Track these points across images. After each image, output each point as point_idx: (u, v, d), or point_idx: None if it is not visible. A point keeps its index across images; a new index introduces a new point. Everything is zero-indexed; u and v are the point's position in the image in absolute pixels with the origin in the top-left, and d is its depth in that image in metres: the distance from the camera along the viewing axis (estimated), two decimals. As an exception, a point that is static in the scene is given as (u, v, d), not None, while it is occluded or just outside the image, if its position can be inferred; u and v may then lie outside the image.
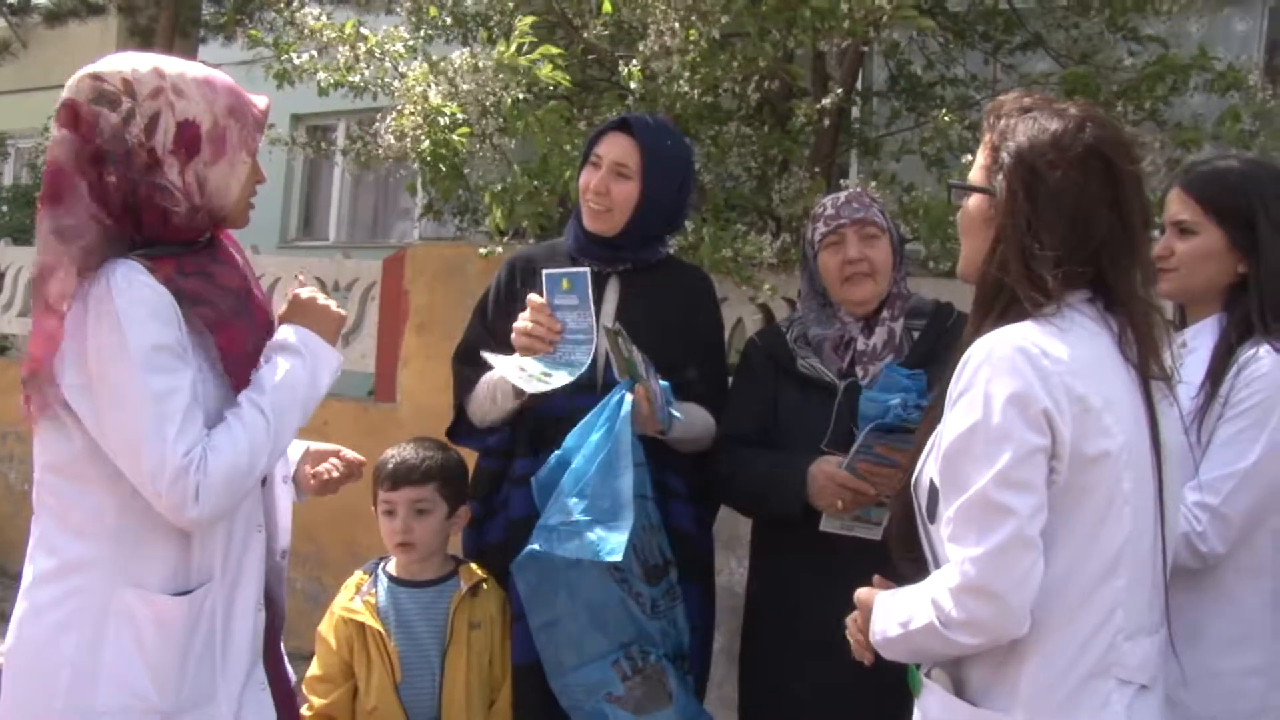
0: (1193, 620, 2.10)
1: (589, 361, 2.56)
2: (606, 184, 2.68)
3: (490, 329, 2.80)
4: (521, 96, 4.41)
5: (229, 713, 1.99)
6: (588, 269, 2.59)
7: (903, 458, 2.33)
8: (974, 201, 1.82)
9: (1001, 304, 1.71)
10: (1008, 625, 1.64)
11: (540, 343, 2.57)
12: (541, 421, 2.65)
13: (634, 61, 4.30)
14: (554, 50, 4.37)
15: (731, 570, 3.84)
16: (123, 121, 1.87)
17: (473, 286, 4.97)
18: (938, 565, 1.76)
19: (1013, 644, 1.67)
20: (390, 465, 2.65)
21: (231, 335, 1.95)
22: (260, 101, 2.03)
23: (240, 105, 1.98)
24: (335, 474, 2.40)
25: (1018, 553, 1.61)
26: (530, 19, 4.49)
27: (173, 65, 1.94)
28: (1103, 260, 1.70)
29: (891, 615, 1.80)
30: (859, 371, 2.62)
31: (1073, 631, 1.66)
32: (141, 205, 1.90)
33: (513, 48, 4.37)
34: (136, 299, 1.85)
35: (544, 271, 2.62)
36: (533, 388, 2.50)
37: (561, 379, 2.51)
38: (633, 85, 4.28)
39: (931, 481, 1.75)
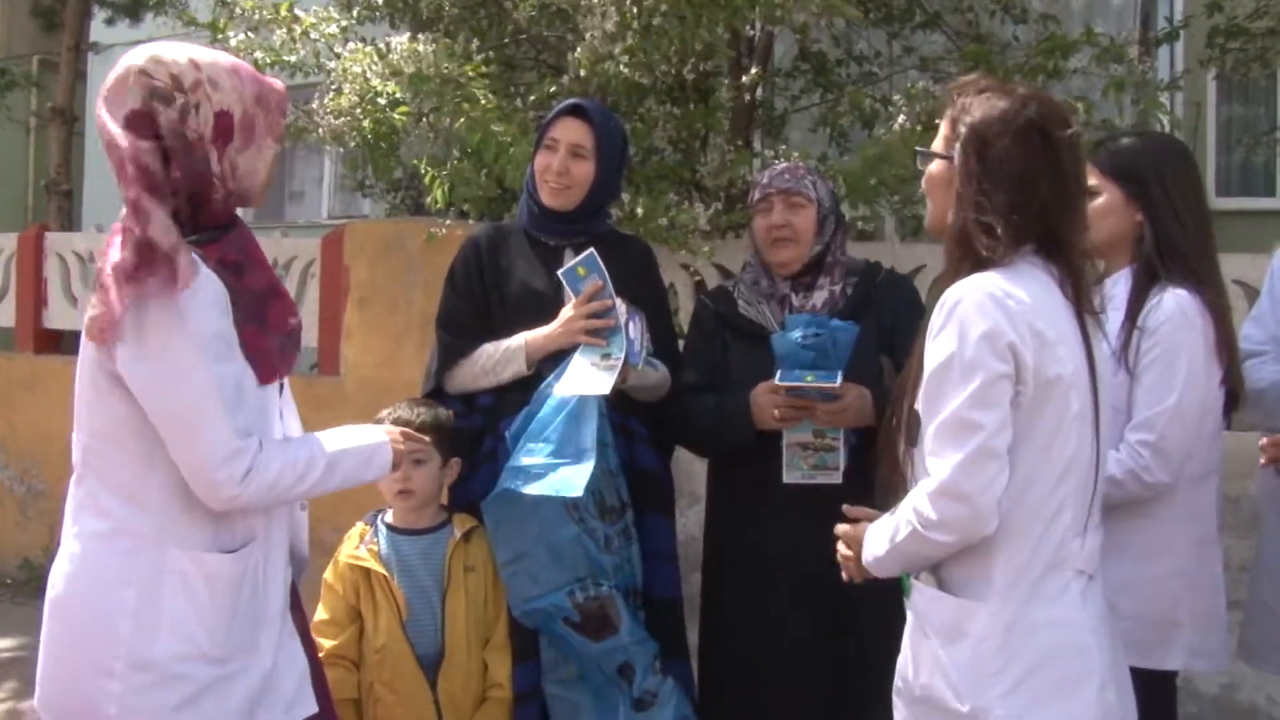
0: (1122, 537, 2.45)
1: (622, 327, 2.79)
2: (566, 165, 2.91)
3: (467, 299, 3.00)
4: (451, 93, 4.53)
5: (270, 659, 2.13)
6: (592, 249, 2.81)
7: (826, 403, 2.68)
8: (936, 166, 2.12)
9: (972, 258, 2.00)
10: (977, 523, 1.93)
11: (603, 324, 2.78)
12: (527, 381, 2.87)
13: (577, 50, 4.49)
14: (474, 67, 4.51)
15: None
16: (180, 117, 1.98)
17: (413, 261, 5.14)
18: (916, 485, 2.04)
19: (985, 543, 1.96)
20: (389, 420, 2.80)
21: (250, 334, 2.05)
22: (278, 85, 2.13)
23: (265, 92, 2.08)
24: None
25: (985, 460, 1.91)
26: (445, 44, 4.59)
27: (204, 55, 2.04)
28: (1048, 217, 2.01)
29: (880, 536, 2.09)
30: None
31: (1033, 530, 1.96)
32: (199, 193, 2.01)
33: (437, 58, 4.48)
34: (199, 287, 1.95)
35: (559, 272, 2.82)
36: (607, 384, 2.70)
37: (618, 353, 2.75)
38: (579, 70, 4.48)
39: (910, 410, 2.05)
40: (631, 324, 2.82)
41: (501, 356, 2.89)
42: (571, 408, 2.70)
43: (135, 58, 2.02)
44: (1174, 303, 2.48)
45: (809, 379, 2.66)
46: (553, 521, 2.72)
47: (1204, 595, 2.57)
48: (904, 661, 2.13)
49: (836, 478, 2.77)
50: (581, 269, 2.79)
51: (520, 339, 2.88)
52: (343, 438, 2.19)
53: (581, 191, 2.95)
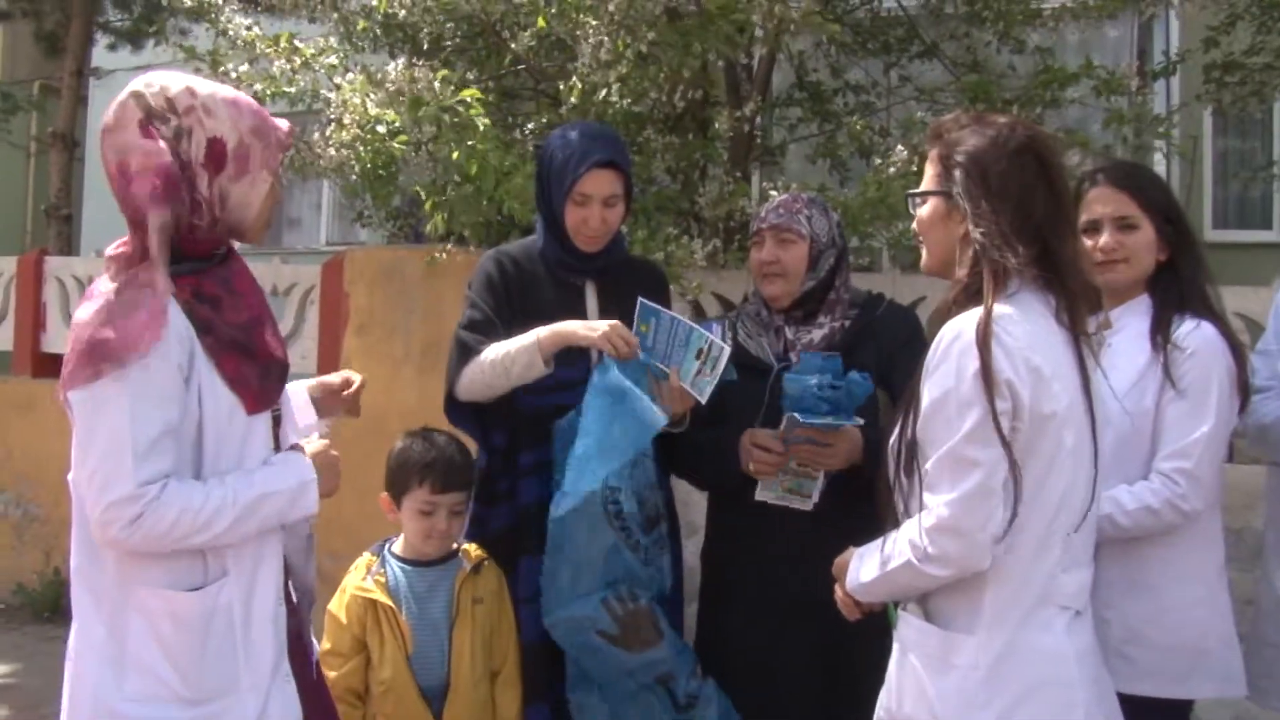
0: (1143, 568, 2.47)
1: (716, 336, 2.74)
2: (603, 216, 2.84)
3: (493, 310, 2.91)
4: (451, 118, 4.52)
5: (254, 701, 2.07)
6: (639, 298, 2.80)
7: (828, 437, 2.66)
8: (930, 206, 2.14)
9: (978, 286, 2.00)
10: (973, 558, 1.94)
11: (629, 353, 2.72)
12: (540, 413, 2.82)
13: (573, 78, 4.50)
14: (473, 93, 4.49)
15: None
16: (174, 137, 1.99)
17: (412, 288, 5.15)
18: (909, 517, 2.05)
19: (975, 576, 1.96)
20: (439, 466, 2.77)
21: (231, 364, 2.02)
22: (283, 124, 2.13)
23: (264, 126, 2.08)
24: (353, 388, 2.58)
25: (983, 497, 1.91)
26: (443, 73, 4.61)
27: (203, 86, 2.05)
28: (1045, 232, 2.03)
29: (869, 562, 2.10)
30: (793, 358, 2.89)
31: (1023, 565, 1.97)
32: (182, 218, 2.00)
33: (436, 87, 4.48)
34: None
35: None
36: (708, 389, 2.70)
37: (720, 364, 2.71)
38: (572, 99, 4.49)
39: (907, 442, 2.04)
40: (712, 328, 2.81)
41: (514, 352, 2.78)
42: (616, 405, 2.69)
43: (133, 85, 2.04)
44: (1204, 333, 2.50)
45: (828, 420, 2.63)
46: (594, 527, 2.67)
47: (1226, 621, 2.57)
48: (887, 692, 2.13)
49: (808, 505, 2.77)
50: (643, 326, 2.77)
51: (533, 334, 2.78)
52: (266, 479, 2.07)
53: (613, 232, 2.92)
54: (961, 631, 1.99)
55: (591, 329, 2.73)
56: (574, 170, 2.83)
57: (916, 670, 2.03)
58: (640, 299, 2.81)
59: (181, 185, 1.98)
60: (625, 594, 2.72)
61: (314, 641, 2.42)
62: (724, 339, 2.76)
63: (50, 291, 6.66)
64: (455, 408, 2.92)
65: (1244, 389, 2.57)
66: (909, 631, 2.08)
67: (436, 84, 4.44)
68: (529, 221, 4.25)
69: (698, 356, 2.74)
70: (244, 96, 2.11)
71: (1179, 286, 2.58)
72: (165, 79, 2.04)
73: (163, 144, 1.98)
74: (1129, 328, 2.56)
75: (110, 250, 2.03)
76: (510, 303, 2.91)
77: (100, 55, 10.35)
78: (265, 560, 2.13)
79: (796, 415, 2.63)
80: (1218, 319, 2.56)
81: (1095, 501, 2.06)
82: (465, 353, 2.88)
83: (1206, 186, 9.07)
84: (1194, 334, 2.50)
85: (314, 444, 2.23)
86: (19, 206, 13.97)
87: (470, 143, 4.25)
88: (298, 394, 2.50)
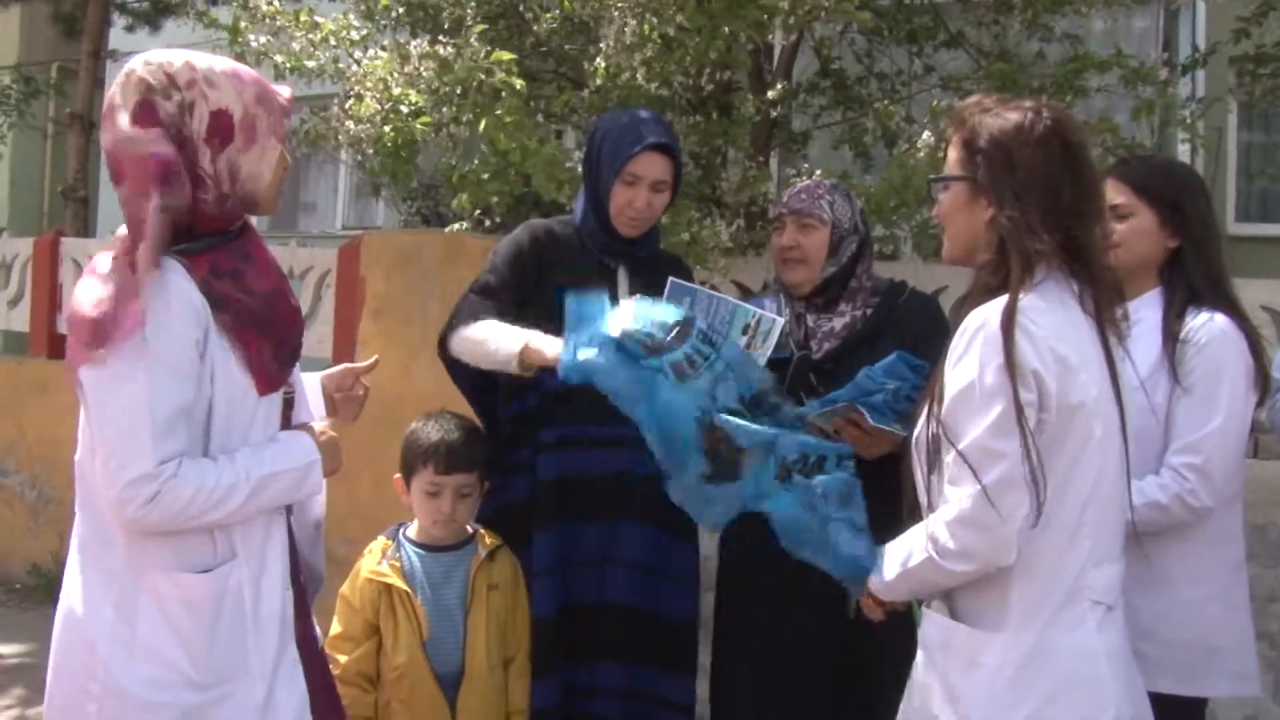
0: (1160, 564, 2.42)
1: (760, 310, 2.76)
2: (650, 200, 2.84)
3: (513, 281, 2.88)
4: (478, 89, 4.51)
5: (262, 686, 2.05)
6: (670, 279, 2.80)
7: (850, 434, 2.58)
8: (953, 191, 2.09)
9: (1004, 274, 1.95)
10: (997, 553, 1.88)
11: None
12: (565, 389, 2.63)
13: (597, 59, 4.47)
14: (507, 56, 4.48)
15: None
16: (177, 111, 1.96)
17: (429, 273, 5.12)
18: (933, 511, 1.99)
19: (1001, 572, 1.91)
20: (443, 448, 2.74)
21: (248, 341, 2.00)
22: (283, 90, 2.11)
23: (267, 94, 2.05)
24: (360, 392, 2.53)
25: (1008, 490, 1.86)
26: (480, 28, 4.60)
27: (201, 59, 2.01)
28: (1069, 220, 1.97)
29: (890, 560, 2.05)
30: (812, 345, 2.86)
31: (1053, 560, 1.91)
32: (185, 197, 1.96)
33: (467, 53, 4.45)
34: (169, 300, 1.91)
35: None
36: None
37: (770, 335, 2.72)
38: (597, 80, 4.46)
39: (932, 435, 1.99)
40: (764, 304, 2.82)
41: (501, 345, 2.71)
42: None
43: (133, 62, 2.01)
44: (1218, 325, 2.45)
45: (896, 428, 2.51)
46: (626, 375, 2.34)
47: (1241, 619, 2.53)
48: (912, 690, 2.09)
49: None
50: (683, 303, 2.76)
51: (522, 340, 2.67)
52: (275, 457, 2.07)
53: (655, 219, 2.92)
54: (988, 629, 1.94)
55: (555, 349, 2.54)
56: (628, 149, 2.83)
57: (942, 669, 1.98)
58: (671, 279, 2.80)
59: (179, 169, 1.93)
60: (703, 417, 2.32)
61: (317, 629, 2.40)
62: (779, 313, 2.75)
63: (66, 273, 6.66)
64: (446, 357, 2.90)
65: (1263, 382, 2.52)
66: (934, 630, 2.03)
67: (467, 51, 4.41)
68: (553, 198, 4.23)
69: (744, 332, 2.72)
70: (243, 67, 2.08)
71: (1187, 276, 2.53)
72: (163, 55, 2.01)
73: (157, 131, 1.93)
74: (1145, 321, 2.50)
75: (121, 230, 2.01)
76: (534, 274, 2.88)
77: (118, 36, 10.35)
78: (272, 543, 2.11)
79: (861, 408, 2.55)
80: (1233, 310, 2.51)
81: (1128, 492, 2.01)
82: (463, 315, 2.85)
83: (1230, 179, 8.98)
84: (1206, 327, 2.45)
85: (317, 424, 2.23)
86: (36, 188, 14.02)
87: (498, 112, 4.22)
88: (311, 385, 2.47)
